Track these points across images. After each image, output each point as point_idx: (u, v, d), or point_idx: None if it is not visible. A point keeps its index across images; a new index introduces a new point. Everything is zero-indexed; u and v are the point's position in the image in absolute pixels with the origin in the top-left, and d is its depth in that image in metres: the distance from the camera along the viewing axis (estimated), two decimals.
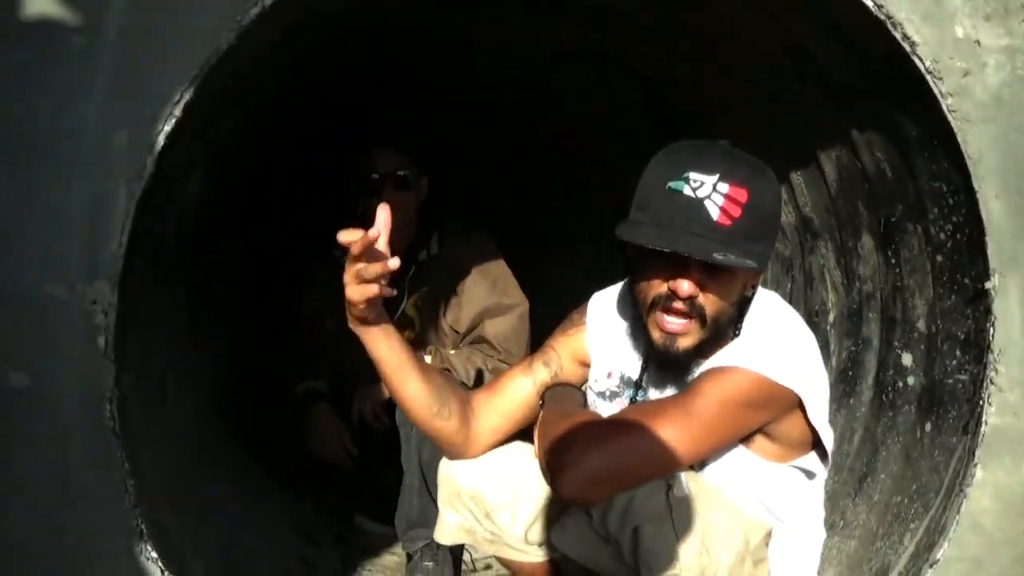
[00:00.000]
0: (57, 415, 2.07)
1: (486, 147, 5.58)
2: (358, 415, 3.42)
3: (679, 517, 1.99)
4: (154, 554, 2.14)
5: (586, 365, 2.42)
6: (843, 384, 3.19)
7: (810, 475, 2.27)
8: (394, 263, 1.84)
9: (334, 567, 3.30)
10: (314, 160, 4.70)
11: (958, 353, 2.67)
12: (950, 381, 2.69)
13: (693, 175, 1.93)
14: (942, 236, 2.66)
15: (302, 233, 4.10)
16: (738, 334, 2.17)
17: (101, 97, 1.98)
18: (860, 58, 2.61)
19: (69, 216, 2.02)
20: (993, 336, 2.50)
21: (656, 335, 2.06)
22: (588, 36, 3.49)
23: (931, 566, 2.51)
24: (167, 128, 2.00)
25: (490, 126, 5.23)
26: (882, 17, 2.37)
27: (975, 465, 2.53)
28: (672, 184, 1.94)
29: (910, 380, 2.87)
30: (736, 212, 1.92)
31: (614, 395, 2.34)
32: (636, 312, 2.16)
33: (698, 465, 2.16)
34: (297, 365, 3.63)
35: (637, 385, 2.29)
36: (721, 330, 2.09)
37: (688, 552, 1.99)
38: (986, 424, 2.53)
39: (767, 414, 2.10)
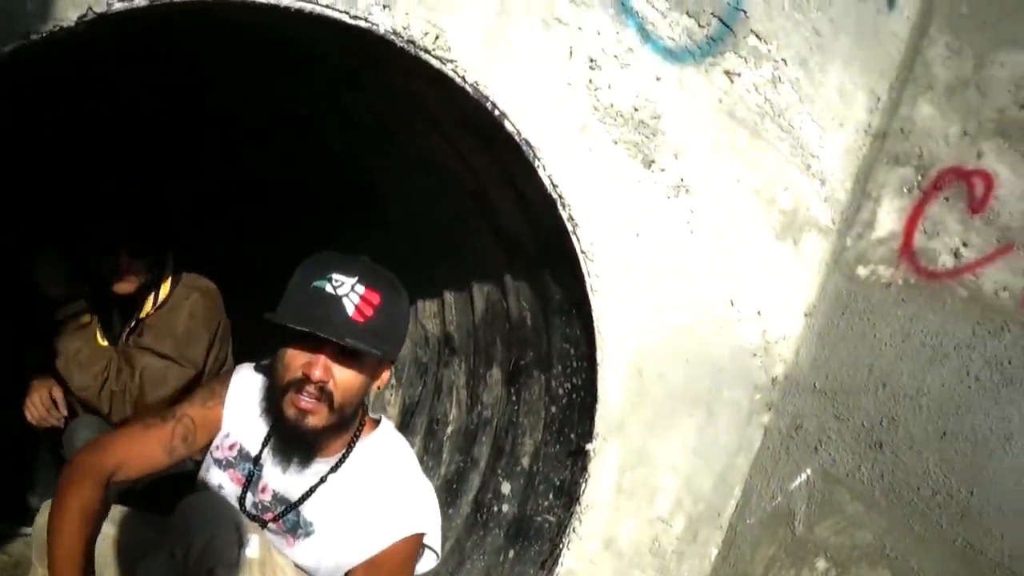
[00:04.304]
0: None
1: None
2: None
3: (248, 572, 2.15)
4: None
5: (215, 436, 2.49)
6: (447, 494, 3.42)
7: None
8: None
9: None
10: None
11: (551, 496, 2.98)
12: (539, 519, 2.99)
13: (335, 276, 2.13)
14: (560, 391, 2.97)
15: None
16: (359, 433, 2.37)
17: None
18: (530, 220, 2.86)
19: None
20: (584, 491, 2.83)
21: (290, 412, 2.19)
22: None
23: None
24: None
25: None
26: (555, 196, 2.64)
27: None
28: (316, 283, 2.13)
29: (505, 507, 3.15)
30: (369, 311, 2.12)
31: (229, 465, 2.42)
32: (273, 394, 2.28)
33: (289, 538, 2.33)
34: None
35: (255, 461, 2.38)
36: (346, 419, 2.26)
37: None
38: (562, 565, 2.85)
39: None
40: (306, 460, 2.31)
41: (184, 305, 3.39)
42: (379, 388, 2.35)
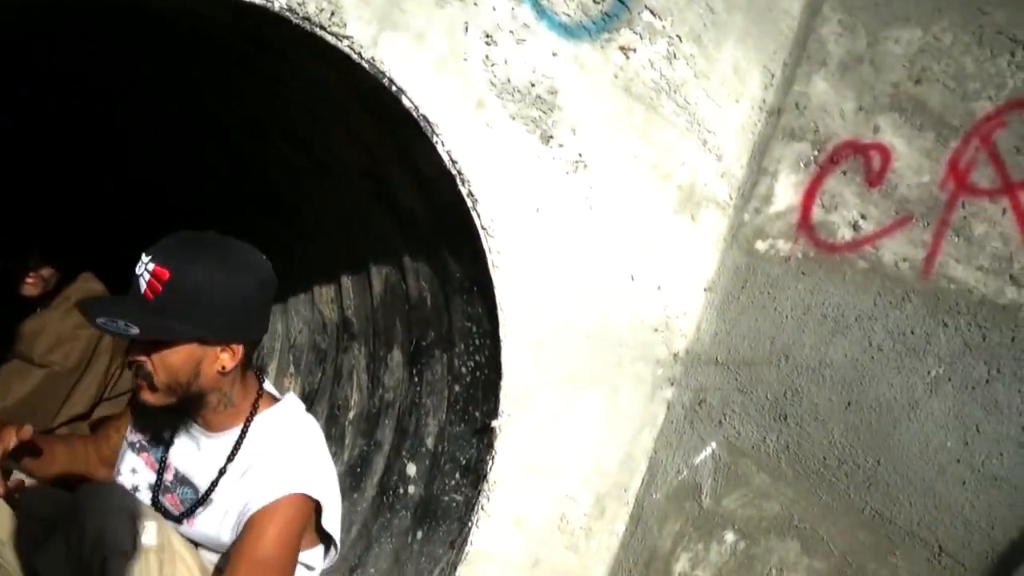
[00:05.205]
0: None
1: None
2: None
3: (144, 560, 2.15)
4: None
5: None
6: (351, 478, 3.38)
7: (310, 568, 2.42)
8: None
9: None
10: None
11: (457, 475, 2.95)
12: (446, 498, 2.97)
13: (143, 255, 2.12)
14: (463, 370, 2.94)
15: None
16: (255, 410, 2.37)
17: None
18: (428, 198, 2.83)
19: None
20: (491, 468, 2.81)
21: None
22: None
23: None
24: None
25: None
26: (454, 172, 2.60)
27: None
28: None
29: (411, 489, 3.12)
30: (158, 288, 2.08)
31: (143, 448, 2.47)
32: None
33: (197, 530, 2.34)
34: None
35: (166, 445, 2.43)
36: (188, 398, 2.24)
37: None
38: (471, 544, 2.83)
39: (308, 527, 2.29)
40: (179, 430, 2.39)
41: (62, 306, 3.34)
42: (224, 368, 2.23)
